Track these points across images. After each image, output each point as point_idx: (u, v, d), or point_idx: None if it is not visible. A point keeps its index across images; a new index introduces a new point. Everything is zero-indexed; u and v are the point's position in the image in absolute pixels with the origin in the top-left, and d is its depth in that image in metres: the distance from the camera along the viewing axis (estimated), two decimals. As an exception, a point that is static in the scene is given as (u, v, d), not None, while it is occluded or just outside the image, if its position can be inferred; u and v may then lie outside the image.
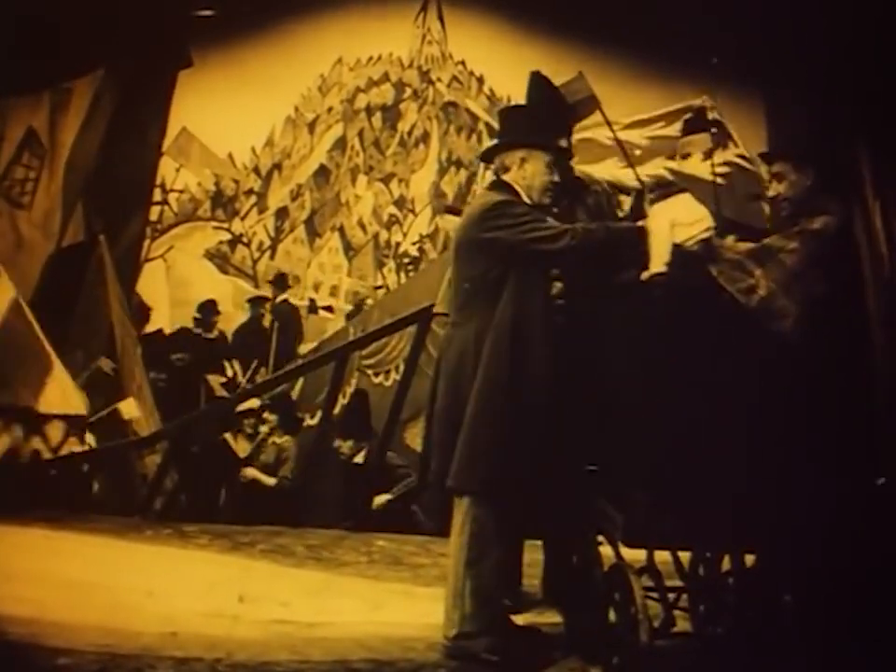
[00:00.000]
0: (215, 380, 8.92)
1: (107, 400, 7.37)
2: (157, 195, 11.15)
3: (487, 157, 3.96)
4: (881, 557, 3.43)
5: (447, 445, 3.60)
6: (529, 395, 3.53)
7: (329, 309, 10.42)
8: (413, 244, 11.78)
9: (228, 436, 7.66)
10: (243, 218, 11.79)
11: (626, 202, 4.76)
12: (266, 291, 10.76)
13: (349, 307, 10.81)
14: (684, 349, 3.31)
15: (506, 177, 3.76)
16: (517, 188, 3.73)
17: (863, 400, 3.54)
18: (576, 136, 5.21)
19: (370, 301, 10.19)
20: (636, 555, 3.50)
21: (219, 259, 11.58)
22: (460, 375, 3.62)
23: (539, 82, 4.27)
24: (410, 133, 12.14)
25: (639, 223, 3.58)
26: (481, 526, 3.55)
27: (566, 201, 4.16)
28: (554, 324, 3.66)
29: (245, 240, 11.74)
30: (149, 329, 9.98)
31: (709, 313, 3.42)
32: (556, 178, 3.76)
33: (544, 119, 3.93)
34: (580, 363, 3.66)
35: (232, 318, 10.54)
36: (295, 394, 8.21)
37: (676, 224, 3.43)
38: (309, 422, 7.80)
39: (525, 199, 3.72)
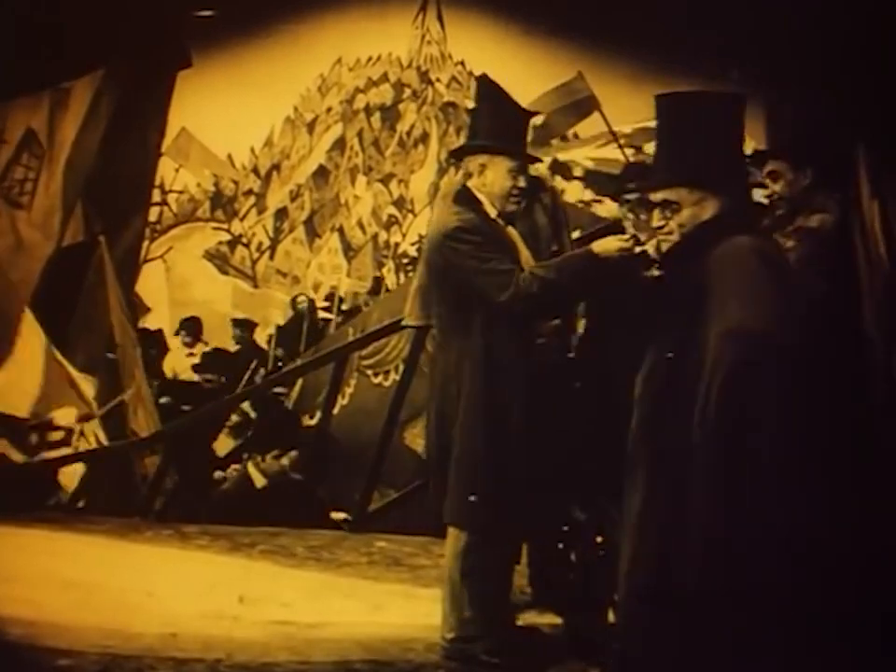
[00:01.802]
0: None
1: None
2: (156, 196, 11.14)
3: (456, 158, 3.92)
4: (879, 557, 3.43)
5: (440, 466, 3.61)
6: (510, 429, 3.49)
7: (327, 310, 10.42)
8: (413, 244, 11.78)
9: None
10: (242, 219, 11.80)
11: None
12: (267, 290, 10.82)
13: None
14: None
15: (470, 184, 3.68)
16: (480, 196, 3.64)
17: (860, 401, 3.55)
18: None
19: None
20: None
21: (219, 259, 11.60)
22: (445, 398, 3.62)
23: (488, 87, 4.09)
24: (409, 134, 12.15)
25: (590, 246, 3.54)
26: (475, 539, 3.56)
27: (524, 201, 4.11)
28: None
29: (244, 240, 11.76)
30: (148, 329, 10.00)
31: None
32: (521, 184, 3.65)
33: (507, 121, 3.77)
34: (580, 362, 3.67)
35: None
36: (294, 394, 8.21)
37: None
38: (308, 422, 7.80)
39: (489, 208, 3.63)
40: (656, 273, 2.92)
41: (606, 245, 3.46)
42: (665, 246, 2.80)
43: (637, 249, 3.42)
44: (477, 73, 11.70)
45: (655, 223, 2.80)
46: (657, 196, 2.78)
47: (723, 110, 2.84)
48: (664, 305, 2.80)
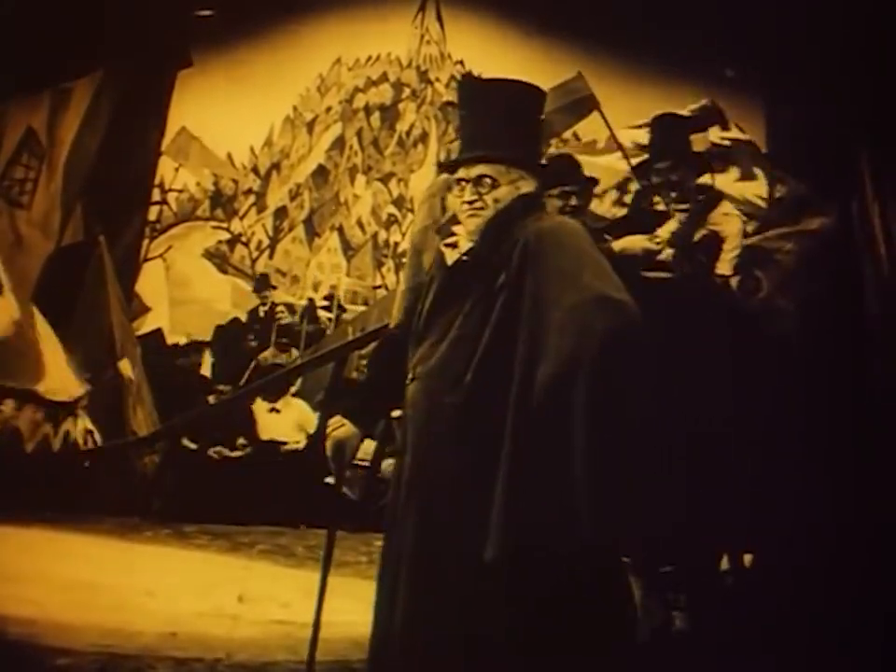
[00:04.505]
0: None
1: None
2: (156, 195, 11.15)
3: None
4: (877, 556, 3.44)
5: None
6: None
7: (327, 309, 10.42)
8: (412, 243, 11.78)
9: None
10: (241, 218, 11.79)
11: None
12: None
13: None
14: (682, 348, 3.32)
15: None
16: None
17: (861, 399, 3.56)
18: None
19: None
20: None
21: (218, 258, 11.58)
22: None
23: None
24: (408, 133, 12.14)
25: (610, 245, 3.54)
26: None
27: None
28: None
29: (243, 239, 11.74)
30: (148, 328, 10.00)
31: (709, 312, 3.43)
32: None
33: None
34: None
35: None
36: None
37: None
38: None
39: None
40: (465, 251, 2.85)
41: (627, 244, 3.46)
42: (475, 222, 2.77)
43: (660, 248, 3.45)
44: (476, 73, 11.79)
45: (468, 198, 2.79)
46: (472, 172, 2.78)
47: (529, 100, 2.91)
48: (470, 280, 2.73)
